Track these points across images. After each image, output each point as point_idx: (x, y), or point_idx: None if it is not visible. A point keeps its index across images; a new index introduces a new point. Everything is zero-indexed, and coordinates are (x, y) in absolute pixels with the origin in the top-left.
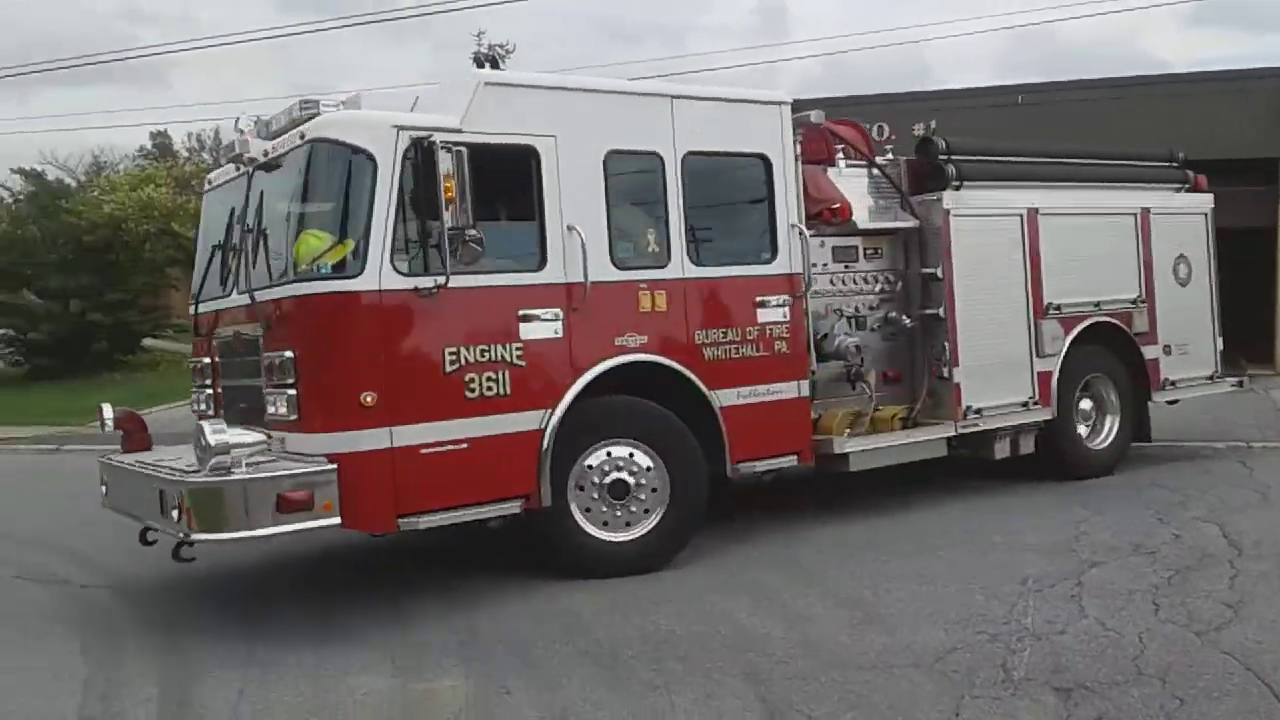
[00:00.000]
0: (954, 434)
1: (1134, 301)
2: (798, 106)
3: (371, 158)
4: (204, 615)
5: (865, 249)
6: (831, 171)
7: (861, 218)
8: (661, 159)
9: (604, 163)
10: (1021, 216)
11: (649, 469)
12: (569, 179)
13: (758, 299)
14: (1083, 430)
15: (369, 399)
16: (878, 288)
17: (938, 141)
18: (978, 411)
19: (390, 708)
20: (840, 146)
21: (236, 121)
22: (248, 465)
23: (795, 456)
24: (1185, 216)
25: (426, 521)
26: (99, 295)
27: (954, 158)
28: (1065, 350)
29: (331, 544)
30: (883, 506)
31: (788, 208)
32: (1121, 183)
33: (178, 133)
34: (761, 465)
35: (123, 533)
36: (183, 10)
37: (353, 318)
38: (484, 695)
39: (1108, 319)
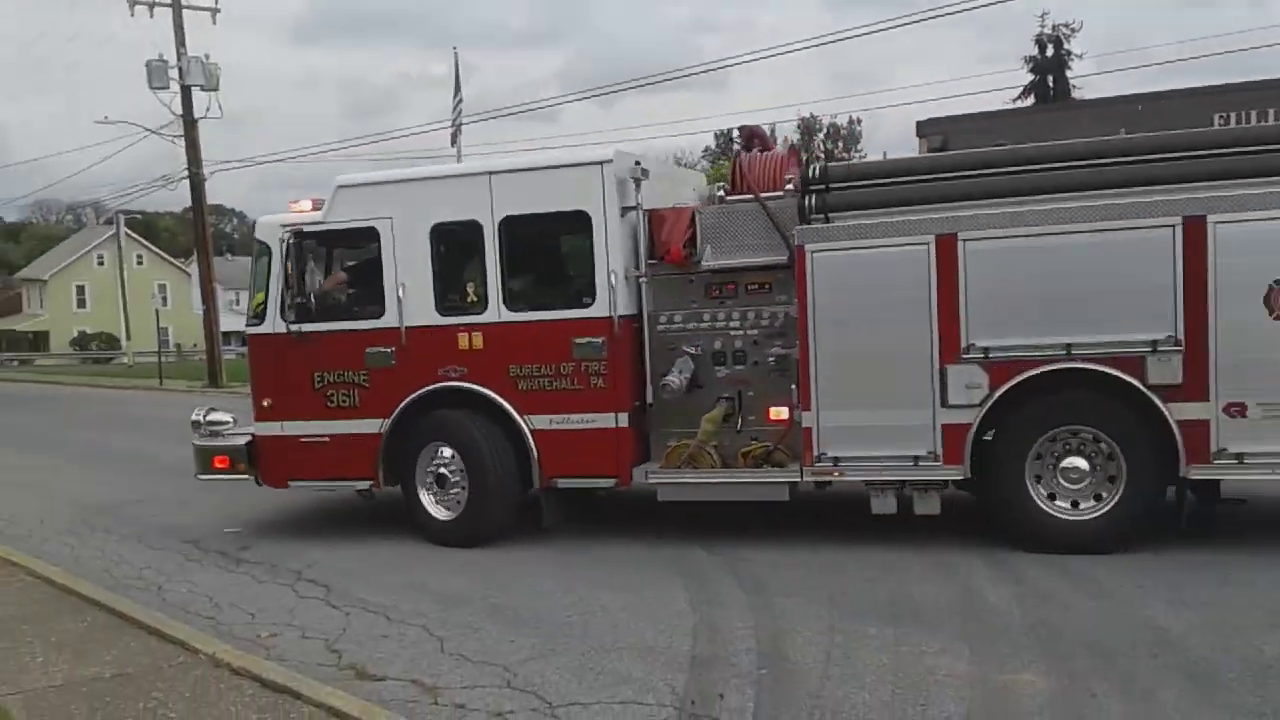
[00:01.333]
0: (799, 480)
1: (1154, 345)
2: None
3: (268, 247)
4: (790, 581)
5: (749, 285)
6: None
7: (714, 257)
8: (480, 225)
9: (430, 233)
10: (929, 245)
11: (461, 468)
12: (402, 249)
13: (575, 339)
14: (1042, 495)
15: (267, 403)
16: (762, 324)
17: (814, 169)
18: (835, 460)
19: (970, 692)
20: (720, 185)
21: None
22: (203, 436)
23: (614, 480)
24: None
25: (305, 485)
26: None
27: (832, 186)
28: (995, 401)
29: (896, 535)
30: None
31: (608, 256)
32: (1151, 184)
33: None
34: (573, 483)
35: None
36: (741, 17)
37: (258, 349)
38: (1069, 696)
39: (1093, 367)
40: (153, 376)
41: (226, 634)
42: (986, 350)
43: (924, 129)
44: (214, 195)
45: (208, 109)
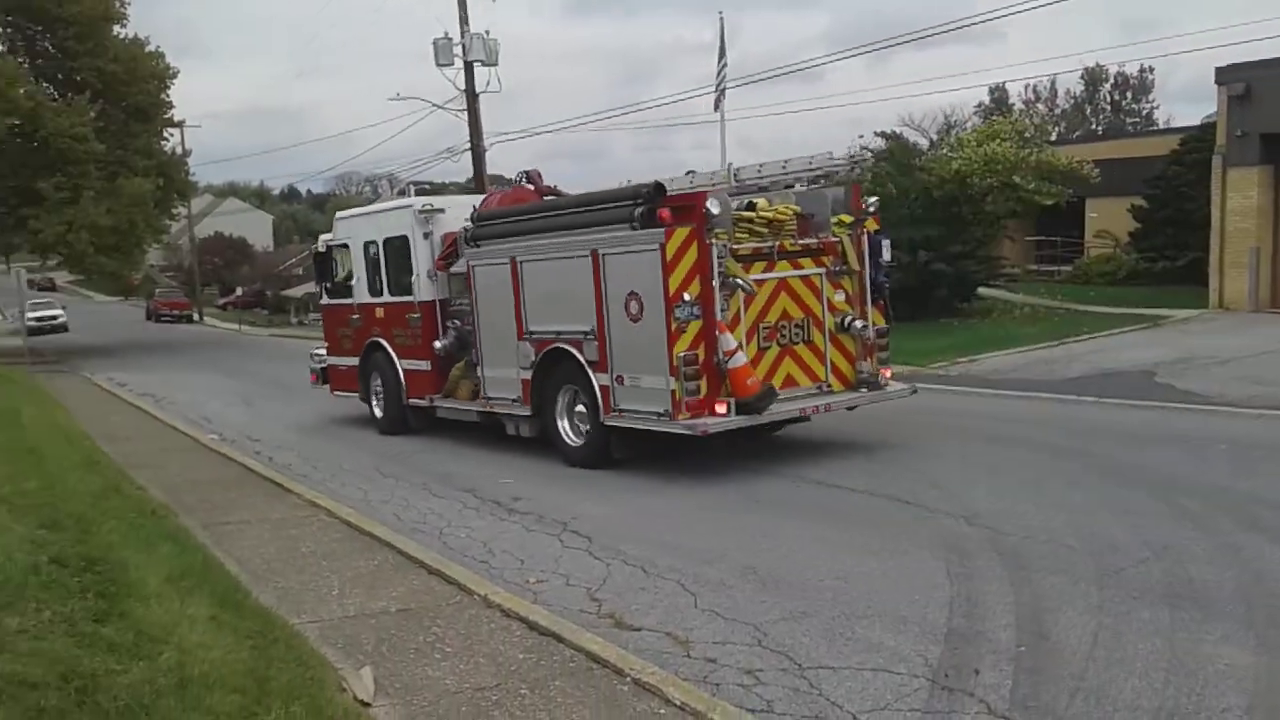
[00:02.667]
0: (481, 409)
1: (586, 333)
2: None
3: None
4: (1055, 558)
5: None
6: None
7: (450, 268)
8: (377, 242)
9: (363, 247)
10: (508, 263)
11: (382, 387)
12: (355, 256)
13: (408, 314)
14: (565, 428)
15: (325, 347)
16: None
17: (472, 212)
18: (489, 399)
19: (1255, 685)
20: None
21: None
22: (311, 363)
23: (429, 400)
24: (637, 254)
25: (338, 394)
26: (943, 246)
27: (481, 224)
28: (536, 365)
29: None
30: None
31: (419, 262)
32: (580, 228)
33: (1014, 87)
34: (416, 403)
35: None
36: None
37: (322, 313)
38: None
39: (566, 346)
40: None
41: (498, 578)
42: (531, 332)
43: (1224, 76)
44: (492, 165)
45: (488, 83)
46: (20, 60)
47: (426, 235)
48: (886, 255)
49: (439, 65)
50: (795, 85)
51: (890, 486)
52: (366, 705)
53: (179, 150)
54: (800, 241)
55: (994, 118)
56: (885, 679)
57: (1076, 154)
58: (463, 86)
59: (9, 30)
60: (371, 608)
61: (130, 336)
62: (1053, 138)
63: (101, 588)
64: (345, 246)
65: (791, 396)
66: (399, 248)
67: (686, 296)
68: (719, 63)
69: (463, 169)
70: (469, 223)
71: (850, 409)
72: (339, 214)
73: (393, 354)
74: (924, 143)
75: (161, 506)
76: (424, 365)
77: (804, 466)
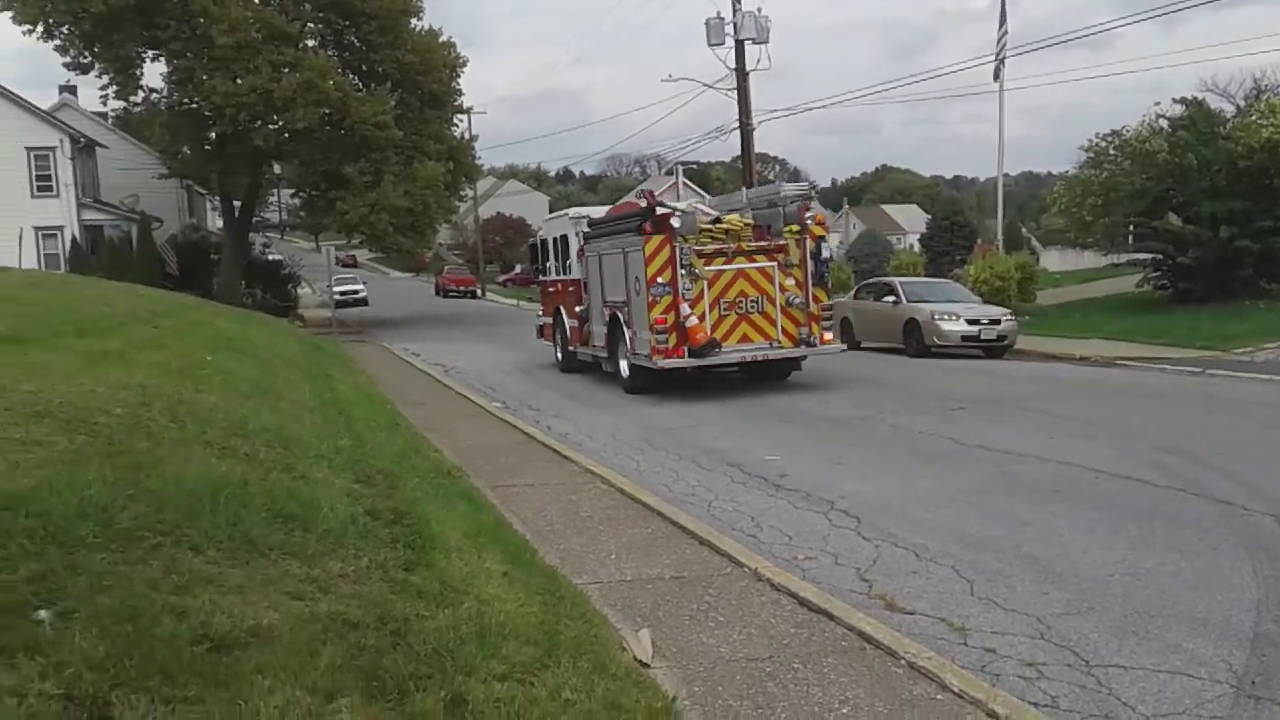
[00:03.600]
0: (593, 354)
1: (622, 304)
2: None
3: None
4: None
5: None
6: None
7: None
8: (555, 238)
9: (552, 241)
10: (596, 256)
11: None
12: (548, 248)
13: (568, 288)
14: (624, 366)
15: (542, 309)
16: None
17: (586, 219)
18: (594, 347)
19: None
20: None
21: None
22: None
23: (577, 348)
24: (637, 252)
25: (543, 344)
26: (1249, 222)
27: (588, 228)
28: (608, 324)
29: None
30: None
31: (572, 253)
32: (619, 234)
33: None
34: (572, 350)
35: None
36: None
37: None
38: None
39: (617, 311)
40: None
41: (766, 552)
42: (606, 301)
43: None
44: (759, 143)
45: (758, 61)
46: (329, 54)
47: (578, 234)
48: (826, 254)
49: (710, 45)
50: (1081, 51)
51: (1182, 478)
52: (645, 666)
53: (466, 135)
54: (757, 244)
55: None
56: (1183, 683)
57: None
58: (733, 65)
59: (320, 26)
60: (647, 573)
61: (421, 310)
62: None
63: (409, 539)
64: (545, 241)
65: (747, 349)
66: (563, 242)
67: (660, 280)
68: (999, 30)
69: (730, 148)
70: (586, 228)
71: (791, 361)
72: (543, 219)
73: (564, 315)
74: (1229, 109)
75: (455, 468)
76: (574, 323)
77: (1077, 454)
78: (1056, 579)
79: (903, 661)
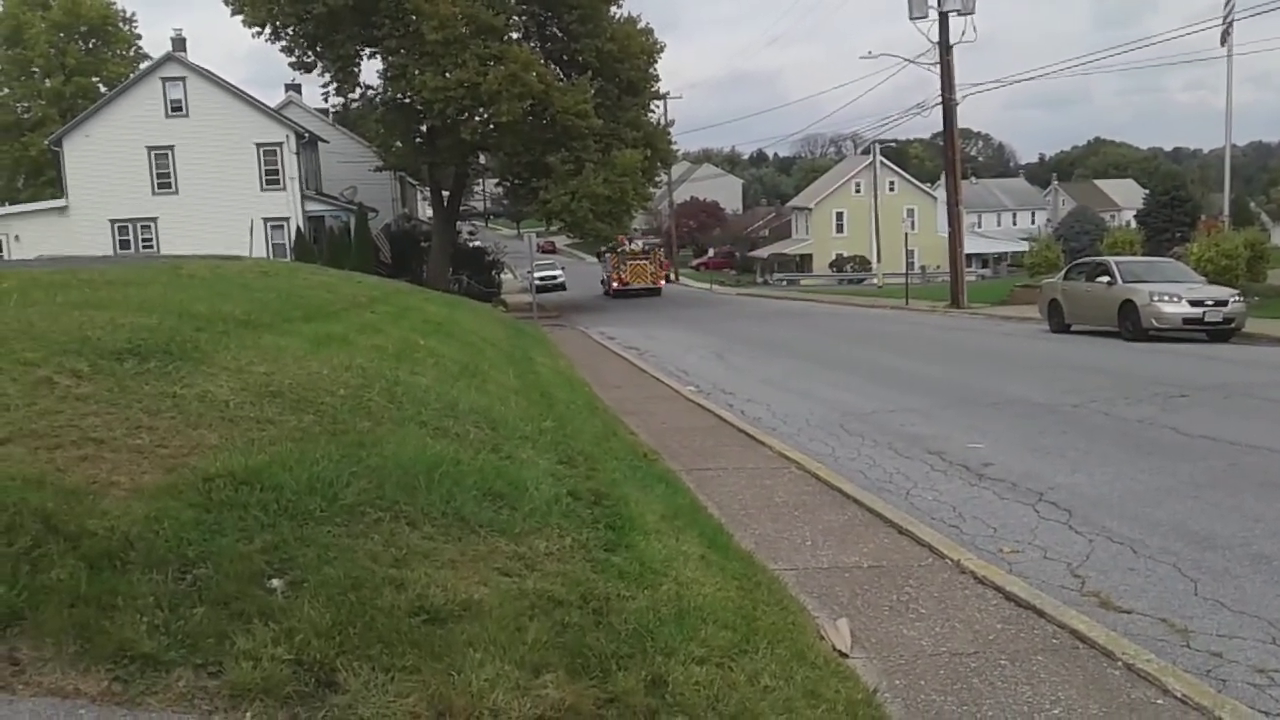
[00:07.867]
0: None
1: (610, 272)
2: None
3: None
4: None
5: None
6: None
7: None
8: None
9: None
10: (609, 257)
11: None
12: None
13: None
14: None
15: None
16: None
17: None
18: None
19: None
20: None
21: None
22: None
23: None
24: (607, 258)
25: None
26: None
27: (603, 248)
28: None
29: None
30: None
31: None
32: (607, 251)
33: None
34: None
35: None
36: None
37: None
38: None
39: (610, 273)
40: (899, 296)
41: (969, 544)
42: (611, 269)
43: None
44: (961, 119)
45: (963, 33)
46: (532, 45)
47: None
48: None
49: (912, 19)
50: None
51: None
52: (844, 656)
53: (662, 121)
54: (643, 255)
55: None
56: None
57: None
58: (935, 38)
59: (524, 18)
60: (844, 561)
61: None
62: None
63: (609, 520)
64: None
65: (640, 288)
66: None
67: (610, 268)
68: None
69: (930, 124)
70: (604, 247)
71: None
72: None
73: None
74: None
75: (652, 451)
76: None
77: None
78: None
79: (1119, 663)
